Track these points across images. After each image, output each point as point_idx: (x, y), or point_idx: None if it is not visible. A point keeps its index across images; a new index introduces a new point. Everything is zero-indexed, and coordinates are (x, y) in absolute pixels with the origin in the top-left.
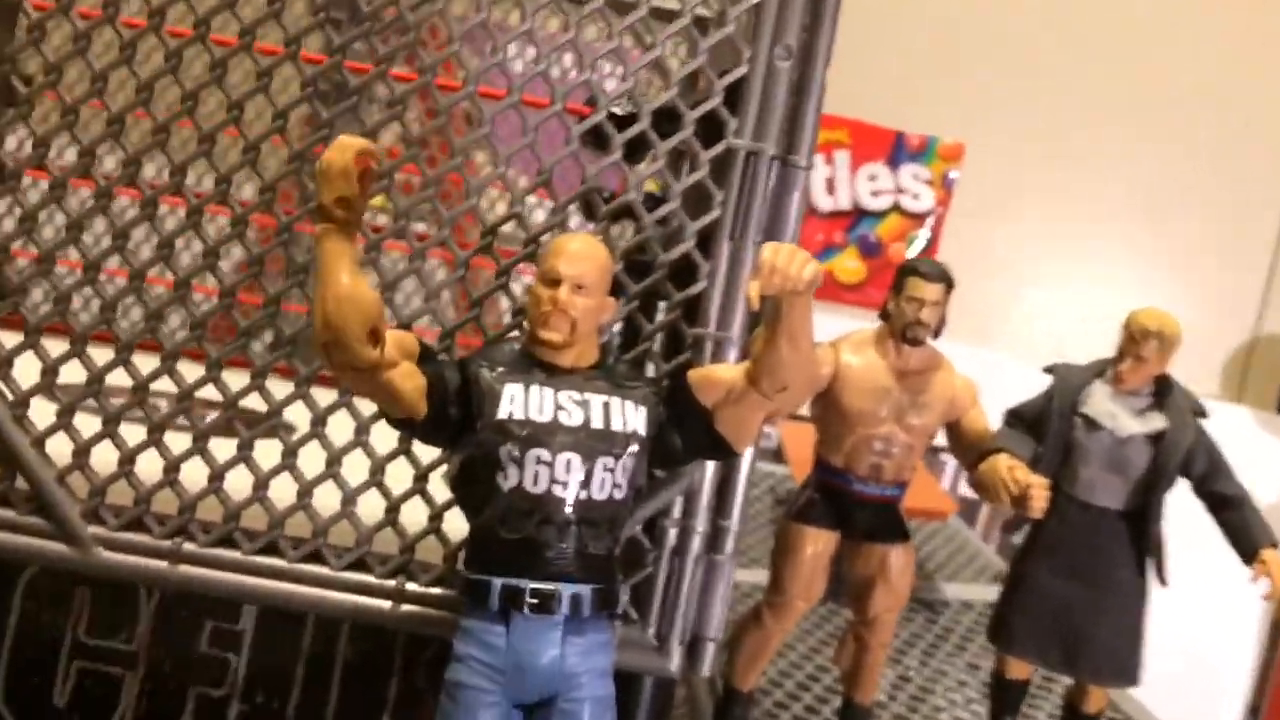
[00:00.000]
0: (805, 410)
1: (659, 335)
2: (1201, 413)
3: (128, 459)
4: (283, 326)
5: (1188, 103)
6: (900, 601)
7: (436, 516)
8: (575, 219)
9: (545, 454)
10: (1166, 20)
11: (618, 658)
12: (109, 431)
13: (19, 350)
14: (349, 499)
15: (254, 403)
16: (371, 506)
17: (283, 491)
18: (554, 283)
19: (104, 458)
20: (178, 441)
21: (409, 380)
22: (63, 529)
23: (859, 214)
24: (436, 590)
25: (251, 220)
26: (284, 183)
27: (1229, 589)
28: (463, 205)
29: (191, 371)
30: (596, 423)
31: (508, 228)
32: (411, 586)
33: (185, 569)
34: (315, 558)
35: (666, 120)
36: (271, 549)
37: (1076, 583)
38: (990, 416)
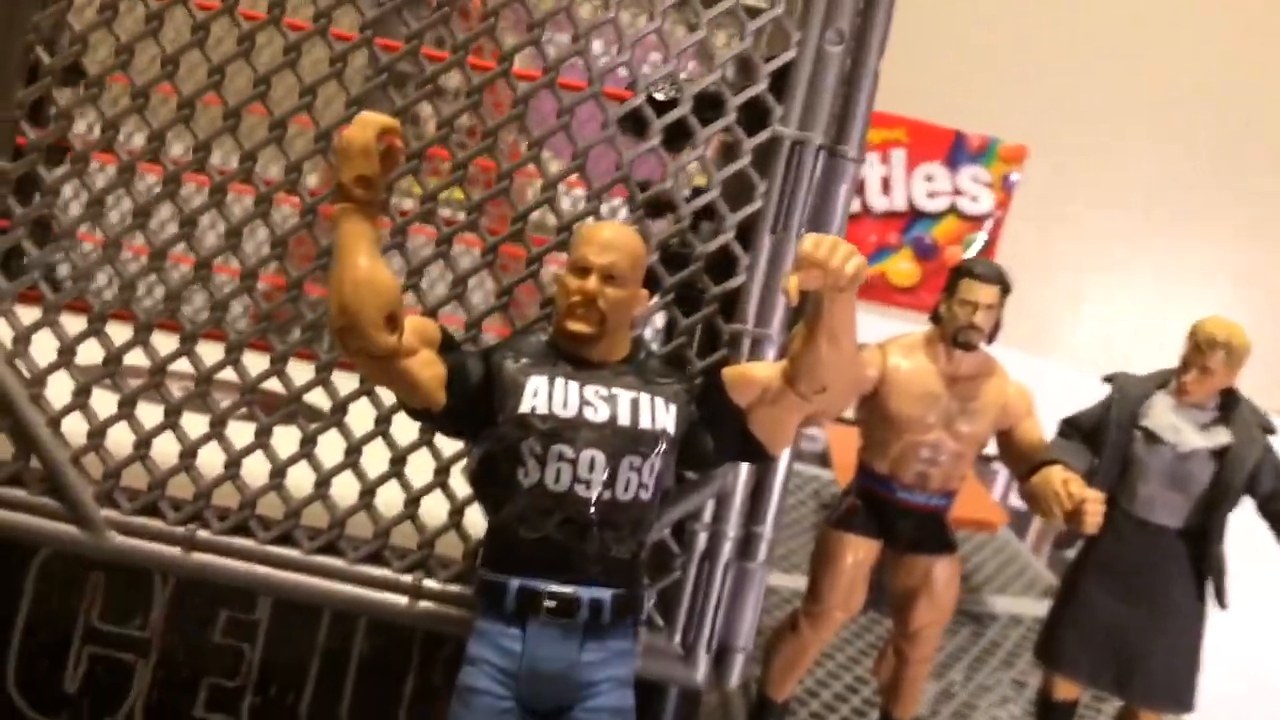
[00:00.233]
0: (852, 412)
1: (696, 330)
2: (1270, 429)
3: (143, 442)
4: (304, 310)
5: (1260, 108)
6: (944, 616)
7: (457, 512)
8: (624, 210)
9: (568, 451)
10: (1237, 26)
11: (641, 666)
12: (125, 413)
13: (36, 327)
14: (368, 490)
15: (275, 386)
16: (391, 499)
17: (301, 480)
18: (583, 272)
19: (120, 440)
20: (196, 425)
21: (428, 369)
22: (75, 511)
23: (914, 215)
24: (455, 588)
25: (278, 201)
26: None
27: None
28: (492, 190)
29: (211, 354)
30: (624, 420)
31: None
32: (429, 583)
33: (198, 556)
34: (332, 550)
35: (710, 106)
36: (288, 539)
37: (1131, 603)
38: (1045, 427)
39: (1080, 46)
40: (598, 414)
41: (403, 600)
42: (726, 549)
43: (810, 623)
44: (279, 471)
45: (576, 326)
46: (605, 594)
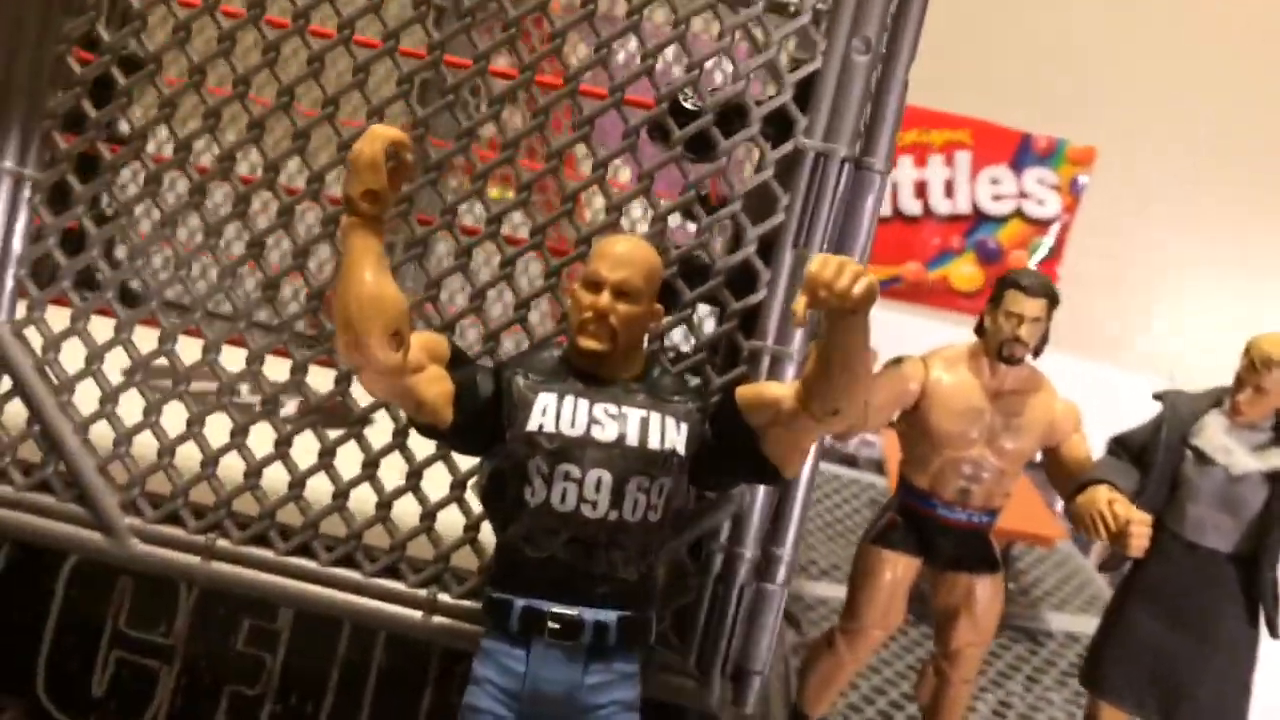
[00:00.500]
0: None
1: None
2: None
3: (167, 450)
4: (325, 320)
5: None
6: (985, 637)
7: (473, 526)
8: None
9: (575, 470)
10: None
11: (656, 687)
12: (149, 422)
13: (65, 336)
14: (384, 503)
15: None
16: (408, 512)
17: (320, 492)
18: (596, 287)
19: (146, 446)
20: (220, 433)
21: (435, 385)
22: (99, 518)
23: (979, 218)
24: (469, 603)
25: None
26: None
27: None
28: (510, 203)
29: (236, 361)
30: (632, 439)
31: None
32: (444, 598)
33: (217, 566)
34: (349, 562)
35: (738, 116)
36: (306, 550)
37: (1179, 630)
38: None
39: (1152, 44)
40: (606, 433)
41: (417, 615)
42: (743, 570)
43: (847, 640)
44: (298, 482)
45: (588, 343)
46: (611, 616)
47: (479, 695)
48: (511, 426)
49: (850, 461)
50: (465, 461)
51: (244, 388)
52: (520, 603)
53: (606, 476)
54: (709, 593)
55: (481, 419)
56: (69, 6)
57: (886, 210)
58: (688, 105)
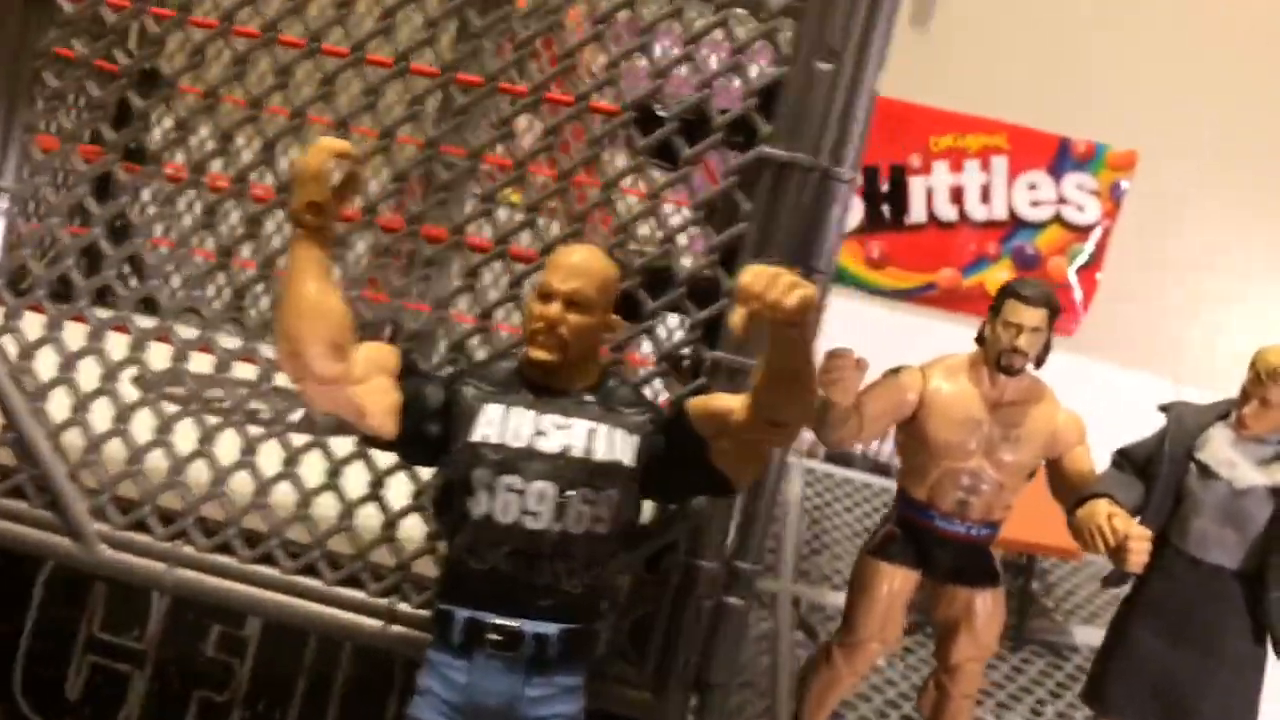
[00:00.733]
0: None
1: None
2: None
3: (135, 458)
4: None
5: None
6: (985, 651)
7: (435, 535)
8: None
9: (517, 482)
10: None
11: (612, 700)
12: (118, 429)
13: (39, 344)
14: (346, 512)
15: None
16: (372, 521)
17: (284, 500)
18: (548, 298)
19: (117, 454)
20: (188, 440)
21: (379, 397)
22: (69, 524)
23: (1016, 224)
24: (428, 613)
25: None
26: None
27: None
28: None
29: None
30: (577, 451)
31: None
32: (403, 607)
33: (182, 572)
34: (311, 571)
35: (703, 124)
36: (269, 559)
37: (1183, 648)
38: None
39: (1196, 45)
40: (550, 444)
41: (378, 624)
42: (702, 583)
43: (844, 654)
44: (262, 490)
45: (538, 354)
46: (553, 629)
47: (421, 706)
48: (457, 437)
49: (883, 470)
50: (428, 471)
51: (218, 393)
52: (463, 614)
53: (550, 488)
54: (667, 605)
55: (429, 430)
56: (45, 21)
57: (921, 216)
58: (661, 113)
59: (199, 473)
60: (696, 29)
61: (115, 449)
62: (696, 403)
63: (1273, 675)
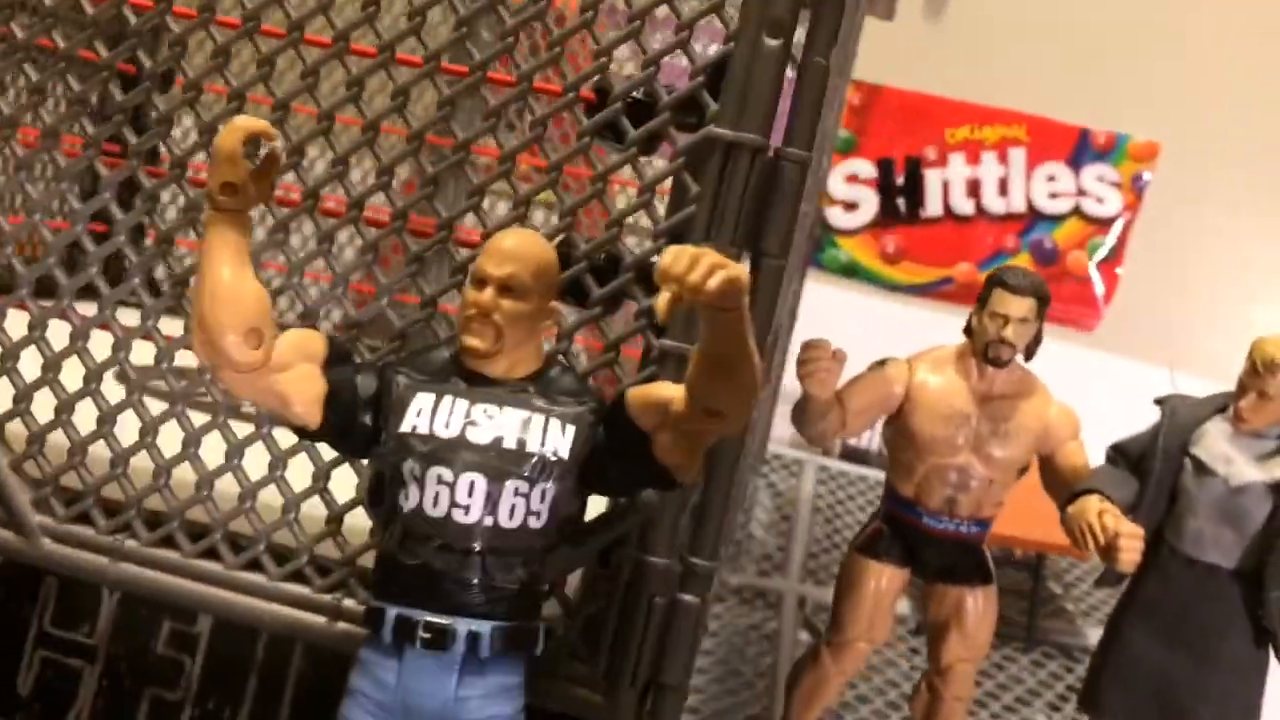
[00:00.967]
0: None
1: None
2: None
3: (79, 448)
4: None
5: None
6: (977, 652)
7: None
8: None
9: (447, 474)
10: None
11: (563, 699)
12: (62, 420)
13: None
14: (289, 505)
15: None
16: (317, 514)
17: (229, 492)
18: (481, 283)
19: (61, 445)
20: (131, 431)
21: (303, 385)
22: (11, 517)
23: (1034, 217)
24: None
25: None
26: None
27: None
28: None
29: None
30: (509, 442)
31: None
32: (349, 604)
33: (125, 567)
34: (256, 566)
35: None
36: (213, 553)
37: (1179, 651)
38: None
39: (1217, 32)
40: (481, 435)
41: (322, 620)
42: (653, 580)
43: (832, 653)
44: (205, 482)
45: (470, 341)
46: (486, 626)
47: (352, 708)
48: (388, 428)
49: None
50: None
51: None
52: (393, 611)
53: (481, 480)
54: (618, 603)
55: (360, 420)
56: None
57: (937, 210)
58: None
59: (143, 464)
60: (641, 4)
61: (59, 439)
62: (636, 393)
63: (1275, 678)
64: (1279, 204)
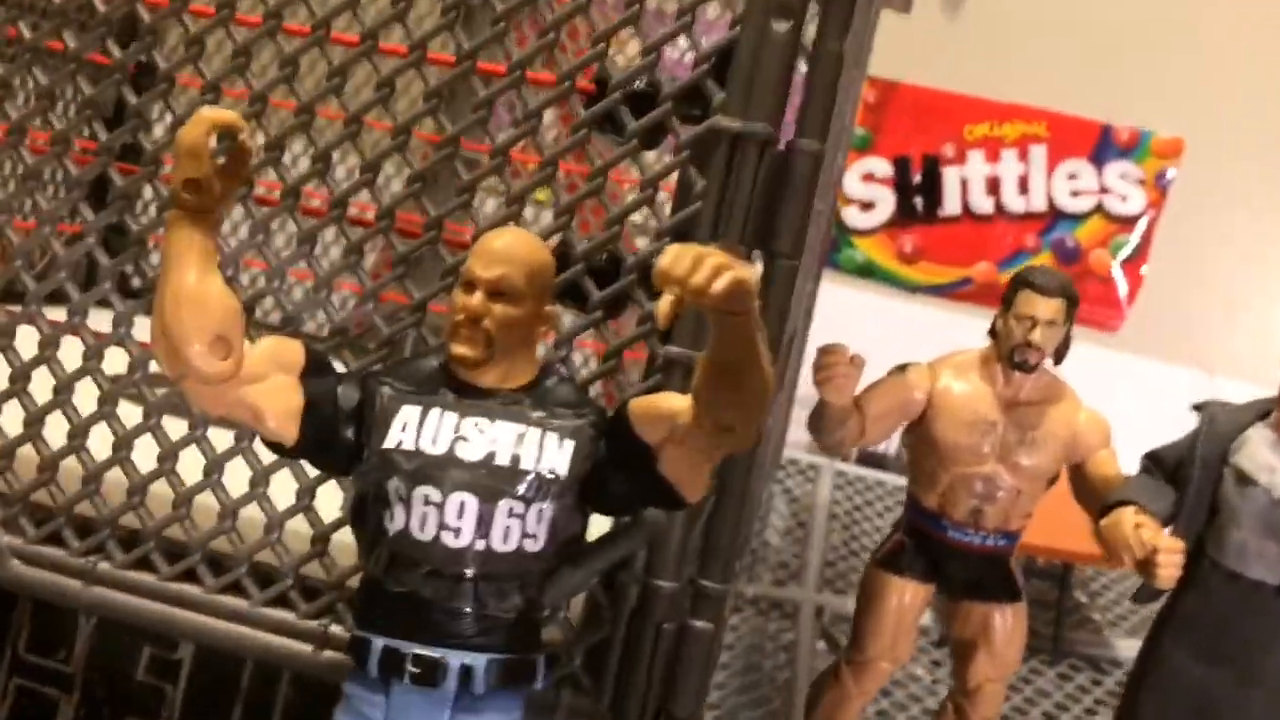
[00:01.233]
0: None
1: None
2: None
3: (49, 464)
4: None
5: None
6: (1006, 670)
7: None
8: None
9: (434, 493)
10: None
11: None
12: (32, 433)
13: None
14: (273, 524)
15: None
16: (302, 532)
17: (208, 511)
18: (470, 287)
19: (32, 462)
20: (107, 448)
21: (277, 398)
22: None
23: (1055, 215)
24: None
25: None
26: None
27: None
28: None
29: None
30: (502, 459)
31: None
32: (336, 630)
33: (99, 590)
34: (237, 589)
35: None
36: (191, 576)
37: (1222, 670)
38: None
39: (1243, 26)
40: (472, 451)
41: (308, 649)
42: (661, 605)
43: (853, 672)
44: (183, 500)
45: (459, 349)
46: (479, 659)
47: None
48: (369, 444)
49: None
50: None
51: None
52: (379, 642)
53: (471, 500)
54: (623, 630)
55: (339, 434)
56: None
57: (956, 208)
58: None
59: (118, 479)
60: None
61: (28, 454)
62: (640, 404)
63: None
64: None
